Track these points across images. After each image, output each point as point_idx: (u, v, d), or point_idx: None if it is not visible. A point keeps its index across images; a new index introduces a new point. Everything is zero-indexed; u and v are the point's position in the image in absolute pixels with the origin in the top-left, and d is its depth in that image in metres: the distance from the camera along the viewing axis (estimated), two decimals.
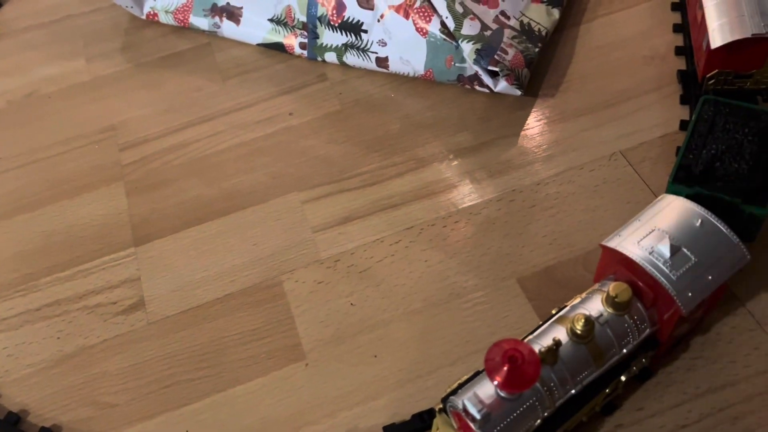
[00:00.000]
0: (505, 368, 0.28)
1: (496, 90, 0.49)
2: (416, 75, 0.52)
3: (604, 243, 0.35)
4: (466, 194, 0.47)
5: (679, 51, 0.52)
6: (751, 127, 0.39)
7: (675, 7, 0.55)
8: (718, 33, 0.42)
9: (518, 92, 0.49)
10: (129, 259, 0.46)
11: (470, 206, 0.46)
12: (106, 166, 0.52)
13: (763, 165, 0.38)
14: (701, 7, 0.44)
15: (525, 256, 0.43)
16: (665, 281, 0.32)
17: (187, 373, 0.41)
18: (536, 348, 0.32)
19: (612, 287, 0.33)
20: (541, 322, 0.35)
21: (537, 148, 0.48)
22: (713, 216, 0.34)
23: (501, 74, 0.48)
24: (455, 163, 0.48)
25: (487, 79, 0.49)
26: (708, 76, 0.44)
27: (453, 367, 0.39)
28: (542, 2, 0.54)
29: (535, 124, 0.50)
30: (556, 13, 0.54)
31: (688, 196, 0.36)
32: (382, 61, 0.53)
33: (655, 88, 0.50)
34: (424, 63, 0.51)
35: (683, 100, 0.49)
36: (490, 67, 0.48)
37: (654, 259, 0.33)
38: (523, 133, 0.49)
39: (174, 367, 0.41)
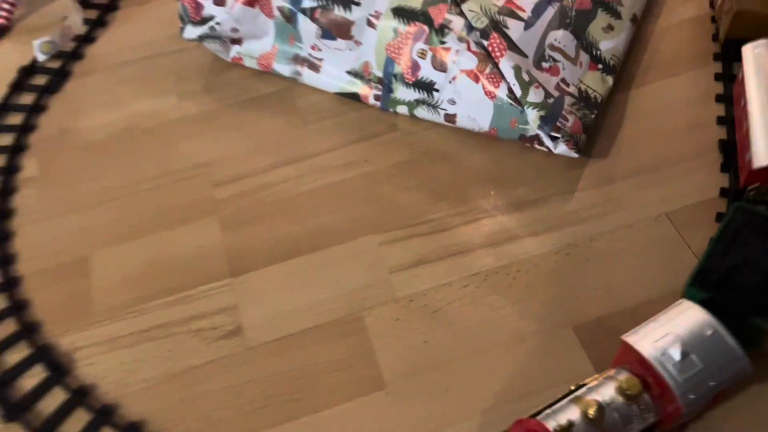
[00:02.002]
0: None
1: (555, 152, 0.55)
2: (481, 131, 0.58)
3: (623, 337, 0.41)
4: (526, 245, 0.52)
5: (720, 121, 0.58)
6: None
7: (717, 77, 0.61)
8: (762, 154, 0.47)
9: (575, 155, 0.55)
10: (226, 288, 0.52)
11: (530, 257, 0.52)
12: (201, 200, 0.58)
13: None
14: (747, 118, 0.50)
15: (580, 307, 0.49)
16: (671, 383, 0.38)
17: (283, 395, 0.47)
18: (551, 425, 0.38)
19: (625, 380, 0.39)
20: (560, 396, 0.40)
21: (590, 205, 0.54)
22: (723, 328, 0.39)
23: (562, 139, 0.54)
24: (515, 215, 0.54)
25: (548, 142, 0.55)
26: (749, 187, 0.49)
27: (516, 403, 0.45)
28: (598, 70, 0.59)
29: (588, 183, 0.55)
30: (609, 81, 0.59)
31: (701, 300, 0.41)
32: (450, 117, 0.59)
33: (697, 155, 0.56)
34: (489, 122, 0.57)
35: (723, 168, 0.55)
36: (552, 134, 0.54)
37: (664, 361, 0.38)
38: (577, 191, 0.55)
39: (270, 389, 0.47)
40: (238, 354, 0.49)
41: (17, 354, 0.50)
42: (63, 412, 0.47)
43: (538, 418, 0.39)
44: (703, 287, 0.43)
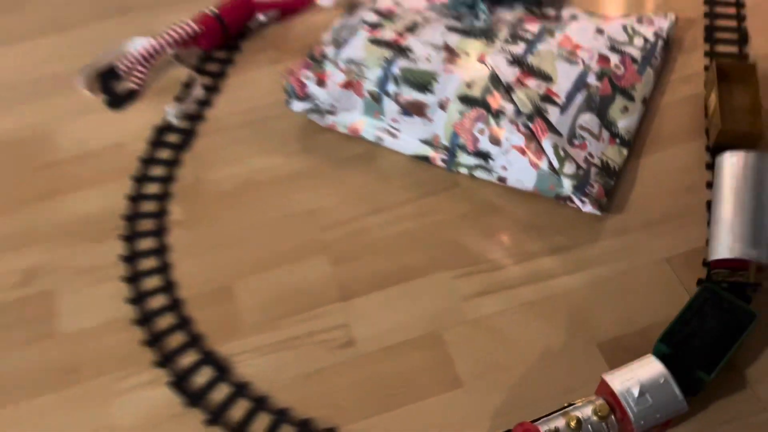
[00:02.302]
0: None
1: (583, 210, 0.73)
2: (526, 189, 0.76)
3: (603, 375, 0.58)
4: (563, 281, 0.71)
5: (709, 185, 0.76)
6: (725, 320, 0.61)
7: (707, 148, 0.79)
8: (714, 248, 0.65)
9: (599, 213, 0.73)
10: (338, 310, 0.71)
11: (564, 290, 0.70)
12: (314, 241, 0.76)
13: (719, 347, 0.60)
14: (713, 217, 0.68)
15: (602, 328, 0.67)
16: (630, 412, 0.56)
17: (387, 390, 0.65)
18: (543, 429, 0.56)
19: (599, 405, 0.57)
20: (556, 409, 0.58)
21: (610, 251, 0.72)
22: (672, 378, 0.56)
23: (589, 201, 0.72)
24: (554, 257, 0.72)
25: (578, 203, 0.73)
26: (713, 271, 0.67)
27: (551, 402, 0.64)
28: (616, 144, 0.77)
29: (608, 233, 0.73)
30: (625, 152, 0.77)
31: (664, 355, 0.59)
32: (502, 179, 0.77)
33: (691, 212, 0.74)
34: (533, 185, 0.75)
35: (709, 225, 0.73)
36: (582, 198, 0.72)
37: (627, 396, 0.56)
38: (600, 239, 0.73)
39: (378, 385, 0.66)
40: (352, 360, 0.67)
41: (189, 358, 0.69)
42: (228, 401, 0.66)
43: (536, 423, 0.57)
44: (668, 345, 0.61)
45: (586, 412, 0.57)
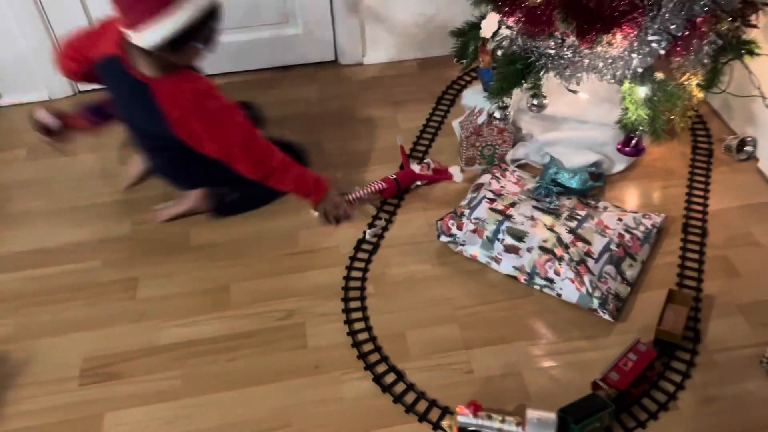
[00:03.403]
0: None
1: (604, 318, 1.32)
2: (571, 302, 1.36)
3: (528, 410, 1.15)
4: (589, 354, 1.28)
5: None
6: (597, 404, 1.15)
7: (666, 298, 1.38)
8: None
9: (612, 320, 1.32)
10: (464, 354, 1.29)
11: (582, 362, 1.27)
12: (449, 315, 1.35)
13: (587, 415, 1.13)
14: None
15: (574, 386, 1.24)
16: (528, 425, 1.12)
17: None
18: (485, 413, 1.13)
19: (516, 420, 1.13)
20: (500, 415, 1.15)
21: (614, 344, 1.30)
22: (556, 423, 1.11)
23: (607, 314, 1.31)
24: (586, 341, 1.30)
25: (601, 313, 1.32)
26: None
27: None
28: (623, 284, 1.37)
29: (616, 332, 1.31)
30: (628, 290, 1.37)
31: (564, 411, 1.14)
32: (559, 295, 1.37)
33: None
34: (576, 300, 1.34)
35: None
36: (603, 311, 1.31)
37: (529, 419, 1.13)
38: (610, 335, 1.31)
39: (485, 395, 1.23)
40: (470, 380, 1.25)
41: (381, 367, 1.27)
42: (402, 394, 1.23)
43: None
44: (564, 412, 1.14)
45: (511, 425, 1.12)
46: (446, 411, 1.20)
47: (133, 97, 1.37)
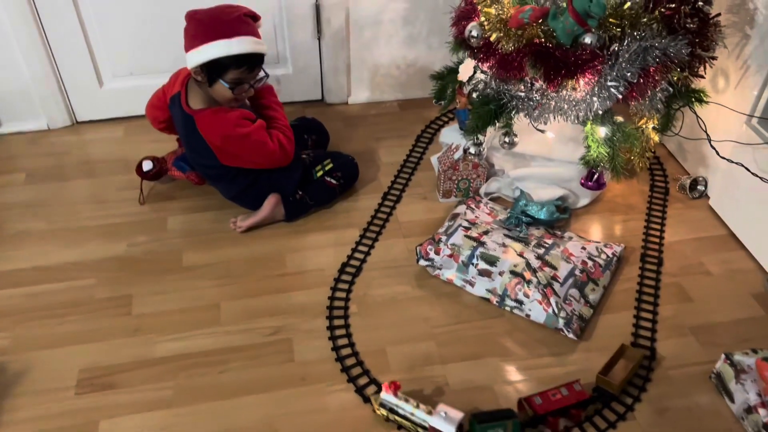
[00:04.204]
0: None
1: (568, 336, 1.43)
2: (539, 323, 1.47)
3: (440, 403, 1.27)
4: (554, 369, 1.39)
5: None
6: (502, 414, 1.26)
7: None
8: None
9: (576, 339, 1.43)
10: (441, 369, 1.39)
11: (555, 374, 1.38)
12: (426, 333, 1.45)
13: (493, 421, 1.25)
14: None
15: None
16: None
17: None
18: (403, 398, 1.23)
19: (426, 407, 1.25)
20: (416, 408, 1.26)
21: (579, 359, 1.41)
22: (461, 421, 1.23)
23: (571, 332, 1.43)
24: (552, 358, 1.41)
25: (565, 332, 1.43)
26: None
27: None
28: (586, 306, 1.49)
29: (579, 350, 1.43)
30: (591, 312, 1.49)
31: (473, 416, 1.25)
32: (528, 315, 1.48)
33: (610, 348, 1.44)
34: (543, 320, 1.46)
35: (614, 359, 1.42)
36: (568, 330, 1.43)
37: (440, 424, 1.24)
38: (575, 352, 1.42)
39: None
40: (443, 392, 1.34)
41: (363, 380, 1.36)
42: (383, 404, 1.33)
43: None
44: (475, 414, 1.26)
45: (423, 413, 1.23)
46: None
47: (185, 129, 1.61)
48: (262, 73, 1.57)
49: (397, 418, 1.26)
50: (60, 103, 1.99)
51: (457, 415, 1.23)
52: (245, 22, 1.50)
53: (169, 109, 1.66)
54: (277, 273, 1.59)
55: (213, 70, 1.50)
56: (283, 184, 1.70)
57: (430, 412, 1.24)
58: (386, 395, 1.26)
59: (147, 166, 1.77)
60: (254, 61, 1.53)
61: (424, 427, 1.24)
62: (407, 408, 1.25)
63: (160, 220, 1.73)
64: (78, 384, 1.35)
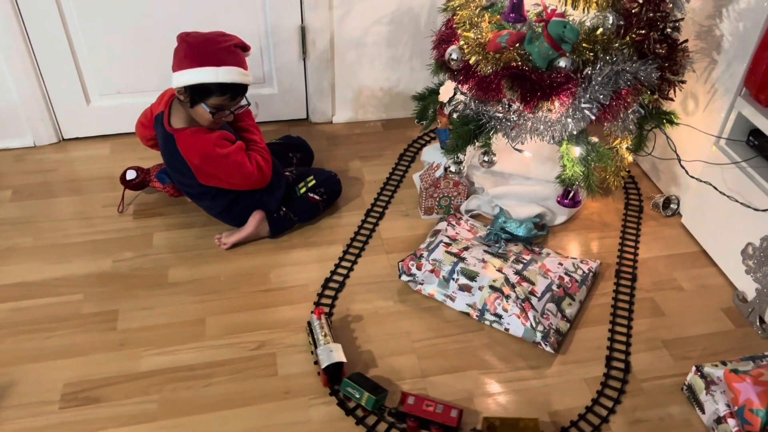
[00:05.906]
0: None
1: (546, 350, 1.47)
2: (518, 336, 1.51)
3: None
4: (533, 382, 1.43)
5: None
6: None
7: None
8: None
9: (554, 352, 1.47)
10: (422, 382, 1.42)
11: (531, 385, 1.42)
12: (407, 347, 1.49)
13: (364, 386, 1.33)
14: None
15: (541, 400, 1.38)
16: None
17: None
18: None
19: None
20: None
21: (555, 373, 1.45)
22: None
23: (549, 346, 1.47)
24: (530, 371, 1.45)
25: (543, 346, 1.47)
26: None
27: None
28: (563, 320, 1.54)
29: (556, 363, 1.47)
30: (568, 326, 1.53)
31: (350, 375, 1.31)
32: (507, 329, 1.52)
33: (589, 361, 1.48)
34: (522, 334, 1.50)
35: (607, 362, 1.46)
36: (545, 344, 1.47)
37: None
38: (552, 365, 1.46)
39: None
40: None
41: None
42: (363, 417, 1.35)
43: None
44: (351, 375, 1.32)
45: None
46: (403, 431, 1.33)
47: (166, 147, 1.64)
48: (244, 101, 1.62)
49: (311, 339, 1.46)
50: (47, 120, 2.01)
51: (339, 358, 1.38)
52: (234, 53, 1.54)
53: (154, 127, 1.69)
54: (261, 288, 1.62)
55: (197, 92, 1.53)
56: (266, 201, 1.73)
57: (327, 344, 1.39)
58: (314, 319, 1.46)
59: (130, 175, 1.80)
60: (238, 90, 1.57)
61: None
62: (319, 334, 1.43)
63: (146, 236, 1.75)
64: (63, 398, 1.36)
